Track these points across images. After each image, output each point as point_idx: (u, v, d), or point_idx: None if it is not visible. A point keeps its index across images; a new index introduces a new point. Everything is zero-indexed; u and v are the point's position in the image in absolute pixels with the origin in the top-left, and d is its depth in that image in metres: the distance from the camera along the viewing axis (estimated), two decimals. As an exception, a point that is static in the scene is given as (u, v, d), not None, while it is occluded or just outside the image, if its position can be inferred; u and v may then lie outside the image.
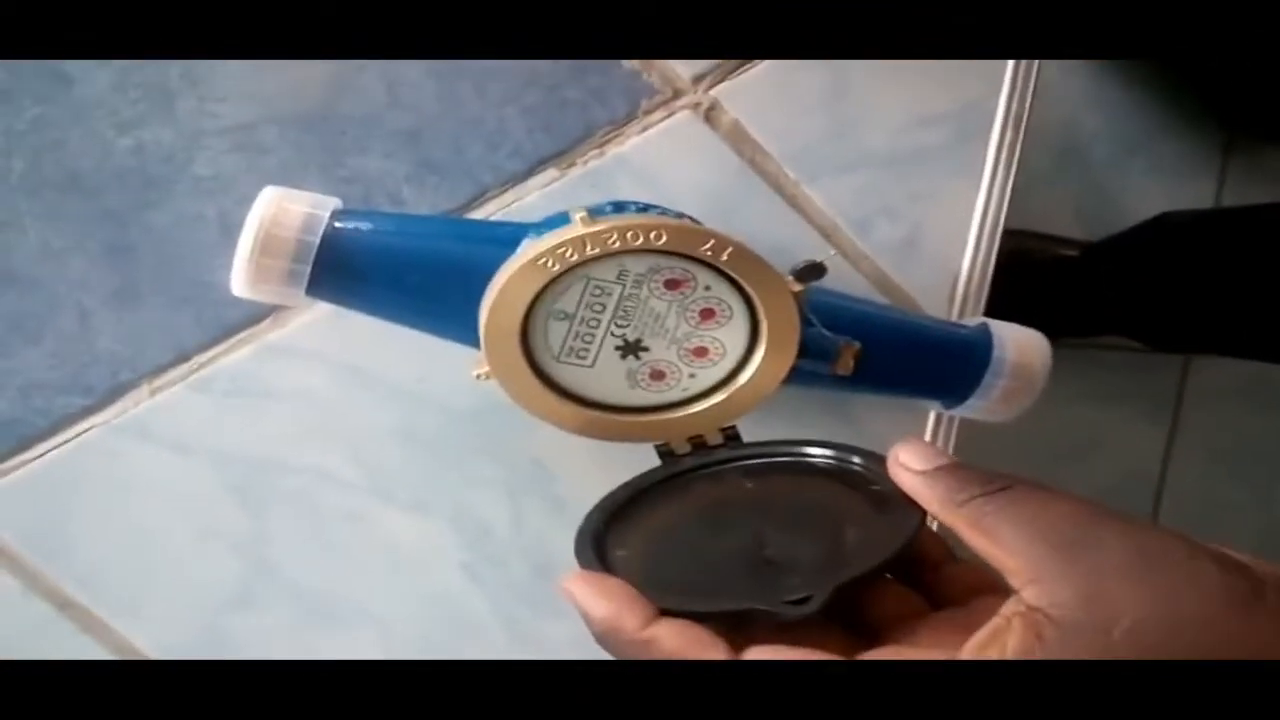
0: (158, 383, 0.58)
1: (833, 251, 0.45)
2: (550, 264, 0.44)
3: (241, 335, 0.58)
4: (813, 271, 0.44)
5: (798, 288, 0.44)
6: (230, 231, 0.57)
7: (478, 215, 0.57)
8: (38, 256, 0.58)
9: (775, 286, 0.44)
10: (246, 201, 0.57)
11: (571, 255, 0.44)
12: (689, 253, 0.44)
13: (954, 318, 0.58)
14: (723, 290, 0.45)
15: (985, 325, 0.53)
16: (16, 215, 0.58)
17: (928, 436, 0.59)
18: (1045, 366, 0.51)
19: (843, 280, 0.57)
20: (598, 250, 0.43)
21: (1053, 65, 0.56)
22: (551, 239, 0.44)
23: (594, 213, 0.47)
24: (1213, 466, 1.58)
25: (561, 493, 0.59)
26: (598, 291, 0.45)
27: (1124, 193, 1.49)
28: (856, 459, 0.43)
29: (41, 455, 0.58)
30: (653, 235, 0.43)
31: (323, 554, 0.59)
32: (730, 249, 0.44)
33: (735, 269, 0.44)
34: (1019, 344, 0.52)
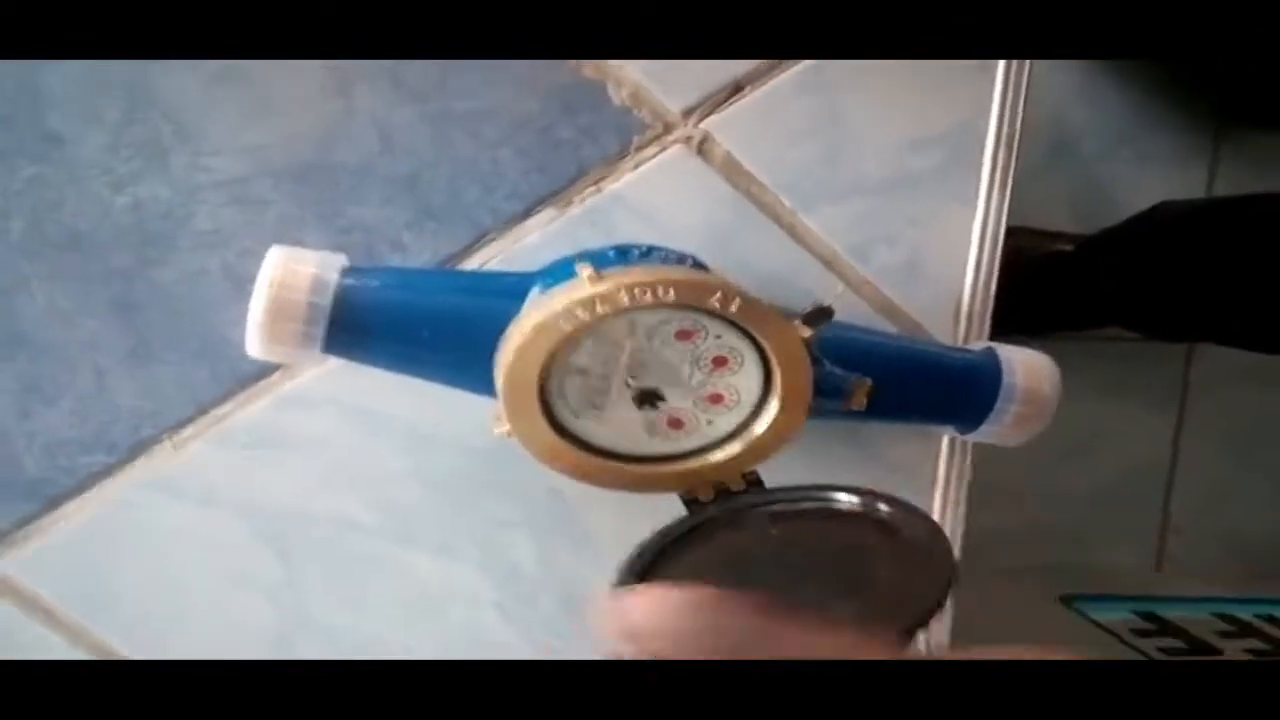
0: (179, 437, 0.57)
1: (840, 288, 0.44)
2: (562, 324, 0.42)
3: (257, 387, 0.57)
4: (821, 315, 0.43)
5: (807, 333, 0.43)
6: (236, 284, 0.56)
7: (480, 257, 0.56)
8: (46, 318, 0.56)
9: (785, 335, 0.43)
10: (249, 255, 0.56)
11: (582, 315, 0.42)
12: (697, 306, 0.43)
13: (960, 338, 0.57)
14: (733, 338, 0.44)
15: (992, 351, 0.52)
16: (21, 278, 0.56)
17: (942, 459, 0.58)
18: (1055, 390, 0.50)
19: (846, 307, 0.55)
20: (608, 309, 0.42)
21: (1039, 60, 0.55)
22: (561, 298, 0.43)
23: (597, 262, 0.45)
24: (1223, 453, 1.55)
25: (585, 526, 0.58)
26: (610, 345, 0.44)
27: (1116, 184, 1.45)
28: (883, 505, 0.42)
29: (72, 514, 0.57)
30: (660, 291, 0.42)
31: (355, 599, 0.58)
32: (737, 300, 0.42)
33: (744, 320, 0.43)
34: (1028, 369, 0.50)
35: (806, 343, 0.43)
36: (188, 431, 0.57)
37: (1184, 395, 1.53)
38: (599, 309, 0.42)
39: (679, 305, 0.43)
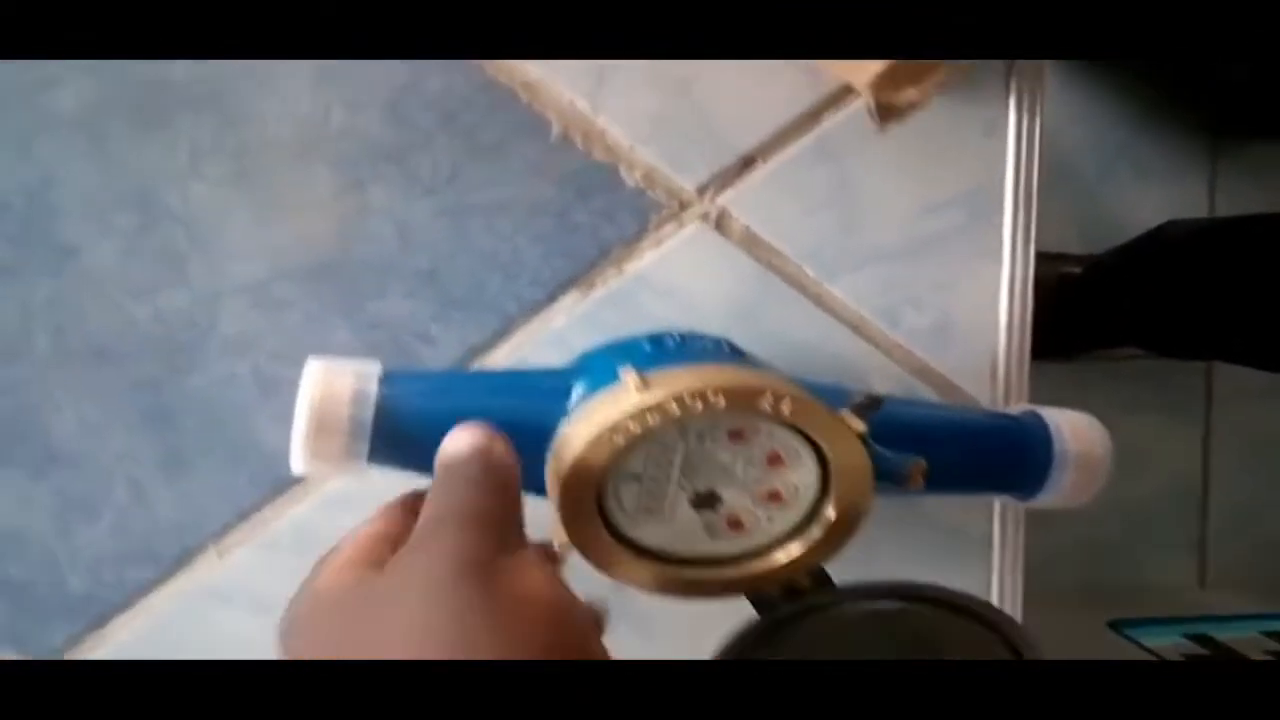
0: (223, 545, 0.55)
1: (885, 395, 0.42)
2: (614, 438, 0.41)
3: (298, 490, 0.55)
4: (871, 406, 0.42)
5: (861, 427, 0.41)
6: (267, 388, 0.54)
7: (509, 345, 0.54)
8: (78, 433, 0.54)
9: (839, 431, 0.41)
10: (277, 357, 0.54)
11: (633, 428, 0.41)
12: (748, 410, 0.41)
13: (999, 397, 0.55)
14: (785, 435, 0.42)
15: (1038, 416, 0.50)
16: (49, 393, 0.54)
17: (995, 521, 0.56)
18: (1107, 451, 0.48)
19: (879, 371, 0.54)
20: (658, 420, 0.41)
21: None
22: (609, 409, 0.41)
23: (635, 360, 0.44)
24: (1253, 461, 1.48)
25: (651, 619, 0.56)
26: (662, 449, 0.42)
27: (1119, 201, 1.40)
28: (962, 603, 0.41)
29: (121, 628, 0.55)
30: (711, 397, 0.40)
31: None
32: (788, 402, 0.41)
33: (796, 420, 0.41)
34: (1076, 434, 0.48)
35: (861, 437, 0.41)
36: (231, 539, 0.55)
37: (1208, 408, 1.47)
38: (650, 420, 0.40)
39: (730, 410, 0.41)
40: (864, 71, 0.42)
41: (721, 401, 0.40)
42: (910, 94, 0.42)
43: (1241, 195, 1.41)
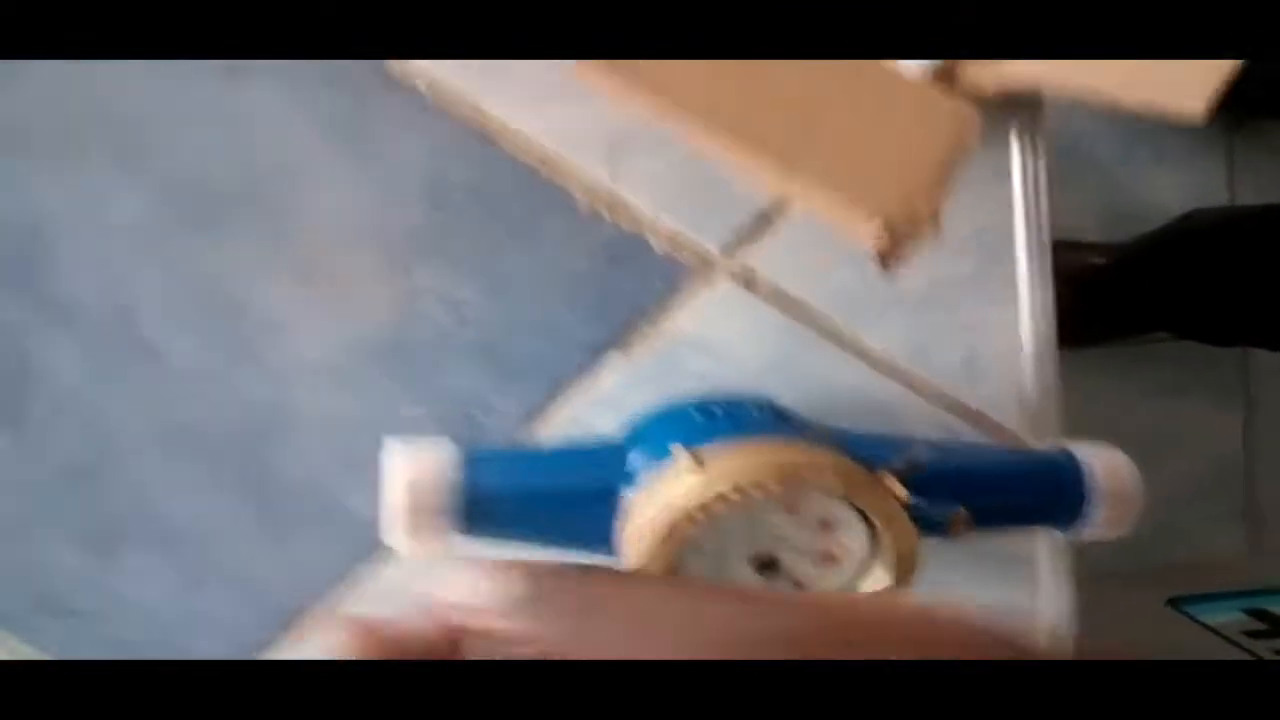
0: (331, 606, 0.56)
1: (918, 439, 0.42)
2: (683, 526, 0.41)
3: (392, 553, 0.55)
4: (913, 470, 0.42)
5: (904, 494, 0.42)
6: (351, 464, 0.54)
7: (561, 409, 0.54)
8: (185, 513, 0.55)
9: (884, 500, 0.42)
10: (358, 434, 0.54)
11: (702, 518, 0.41)
12: (803, 492, 0.41)
13: (1030, 427, 0.55)
14: (833, 503, 0.43)
15: (1071, 456, 0.49)
16: (156, 481, 0.55)
17: (1040, 540, 0.55)
18: (1138, 486, 0.48)
19: (914, 410, 0.54)
20: (721, 507, 0.41)
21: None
22: (675, 499, 0.41)
23: (686, 434, 0.44)
24: None
25: None
26: (722, 522, 0.43)
27: (1138, 186, 1.31)
28: None
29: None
30: (771, 485, 0.41)
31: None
32: (839, 480, 0.41)
33: (848, 496, 0.42)
34: (1108, 472, 0.48)
35: (904, 504, 0.41)
36: (337, 599, 0.56)
37: (1247, 387, 1.37)
38: (716, 509, 0.41)
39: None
40: (863, 231, 0.41)
41: (779, 489, 0.41)
42: (909, 239, 0.41)
43: (1261, 178, 1.33)
